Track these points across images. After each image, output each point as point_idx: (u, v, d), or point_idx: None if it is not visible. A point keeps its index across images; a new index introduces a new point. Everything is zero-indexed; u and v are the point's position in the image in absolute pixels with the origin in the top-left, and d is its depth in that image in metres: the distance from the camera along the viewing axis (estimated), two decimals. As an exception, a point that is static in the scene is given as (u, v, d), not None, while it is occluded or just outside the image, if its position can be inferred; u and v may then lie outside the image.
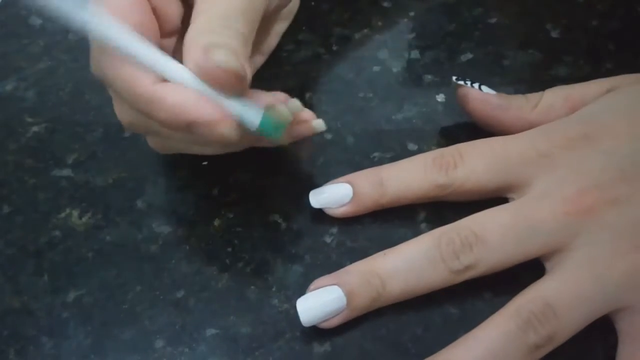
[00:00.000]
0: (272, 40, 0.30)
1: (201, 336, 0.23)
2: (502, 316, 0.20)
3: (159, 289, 0.24)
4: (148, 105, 0.20)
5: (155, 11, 0.22)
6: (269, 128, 0.21)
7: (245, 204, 0.26)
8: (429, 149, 0.25)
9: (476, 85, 0.26)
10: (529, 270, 0.22)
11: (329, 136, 0.28)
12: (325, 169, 0.27)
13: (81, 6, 0.18)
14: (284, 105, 0.22)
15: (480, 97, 0.26)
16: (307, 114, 0.24)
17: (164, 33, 0.22)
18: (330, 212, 0.25)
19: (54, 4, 0.17)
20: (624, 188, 0.21)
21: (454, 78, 0.27)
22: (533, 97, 0.25)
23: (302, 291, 0.23)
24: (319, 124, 0.24)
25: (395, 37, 0.32)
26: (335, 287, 0.22)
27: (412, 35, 0.32)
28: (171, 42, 0.23)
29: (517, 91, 0.27)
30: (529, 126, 0.24)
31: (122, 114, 0.23)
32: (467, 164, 0.23)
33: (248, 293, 0.24)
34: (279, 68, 0.31)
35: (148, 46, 0.20)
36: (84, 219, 0.27)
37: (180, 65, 0.20)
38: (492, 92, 0.26)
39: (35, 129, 0.30)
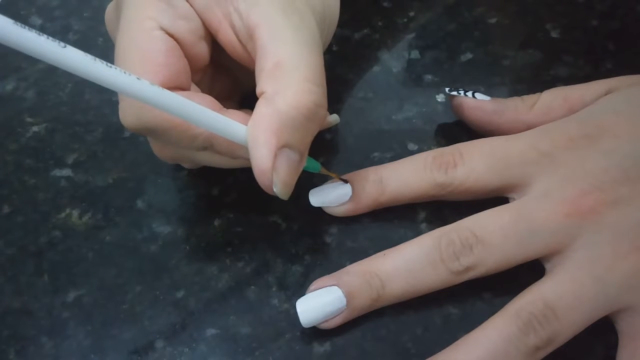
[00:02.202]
0: None
1: (201, 336, 0.23)
2: (503, 318, 0.20)
3: (159, 289, 0.24)
4: (207, 141, 0.21)
5: (185, 54, 0.21)
6: (310, 168, 0.24)
7: (245, 204, 0.26)
8: (429, 149, 0.25)
9: (469, 93, 0.26)
10: (529, 271, 0.22)
11: (329, 136, 0.28)
12: (325, 168, 0.27)
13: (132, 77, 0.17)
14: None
15: (475, 104, 0.26)
16: None
17: (192, 71, 0.22)
18: (330, 211, 0.25)
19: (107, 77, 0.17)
20: (624, 189, 0.21)
21: (446, 89, 0.27)
22: (529, 98, 0.26)
23: (302, 291, 0.23)
24: (334, 118, 0.27)
25: (395, 37, 0.32)
26: (335, 287, 0.22)
27: (412, 35, 0.32)
28: (198, 76, 0.23)
29: (517, 91, 0.27)
30: (527, 127, 0.24)
31: (164, 152, 0.23)
32: (467, 163, 0.23)
33: (248, 293, 0.24)
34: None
35: (199, 108, 0.19)
36: (84, 219, 0.27)
37: (234, 125, 0.20)
38: (486, 98, 0.26)
39: (35, 129, 0.30)
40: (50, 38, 0.15)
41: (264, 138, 0.19)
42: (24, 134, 0.30)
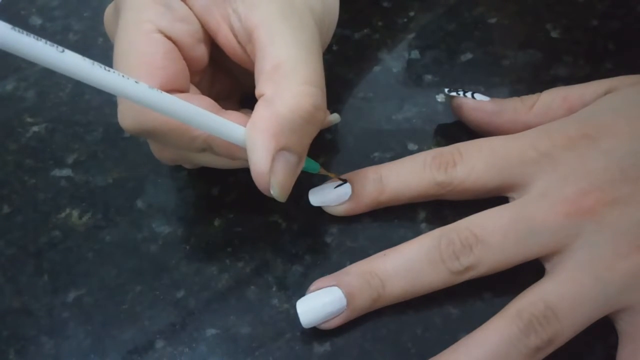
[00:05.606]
0: None
1: (201, 336, 0.23)
2: (504, 319, 0.20)
3: (159, 289, 0.24)
4: (206, 143, 0.21)
5: (184, 56, 0.21)
6: (309, 169, 0.24)
7: (245, 204, 0.26)
8: (428, 149, 0.25)
9: (469, 94, 0.26)
10: (529, 271, 0.22)
11: (329, 136, 0.28)
12: (325, 168, 0.27)
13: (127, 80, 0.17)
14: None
15: (474, 105, 0.26)
16: None
17: (191, 73, 0.22)
18: (329, 210, 0.25)
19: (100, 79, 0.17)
20: (624, 188, 0.21)
21: (445, 90, 0.27)
22: (528, 98, 0.25)
23: (302, 291, 0.23)
24: (334, 117, 0.27)
25: (395, 37, 0.32)
26: (335, 288, 0.22)
27: (412, 35, 0.32)
28: (197, 78, 0.23)
29: (517, 91, 0.27)
30: (527, 128, 0.24)
31: (164, 154, 0.23)
32: (467, 163, 0.23)
33: (248, 293, 0.24)
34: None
35: (197, 110, 0.19)
36: (84, 219, 0.27)
37: (231, 125, 0.20)
38: (485, 98, 0.26)
39: (35, 129, 0.30)
40: (49, 43, 0.15)
41: (262, 140, 0.19)
42: (24, 134, 0.30)
